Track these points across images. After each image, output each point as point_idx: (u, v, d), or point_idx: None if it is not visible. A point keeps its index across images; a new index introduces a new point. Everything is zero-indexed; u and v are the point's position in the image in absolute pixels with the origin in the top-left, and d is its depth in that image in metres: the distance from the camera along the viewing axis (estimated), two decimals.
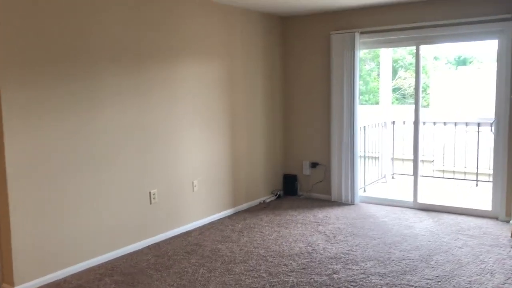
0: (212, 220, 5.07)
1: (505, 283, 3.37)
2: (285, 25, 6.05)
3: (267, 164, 5.95)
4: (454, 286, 3.35)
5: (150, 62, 4.28)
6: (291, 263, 3.82)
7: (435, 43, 5.31)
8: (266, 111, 5.88)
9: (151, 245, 4.32)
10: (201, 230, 4.76)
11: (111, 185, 3.98)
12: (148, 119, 4.28)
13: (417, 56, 5.33)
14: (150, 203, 4.35)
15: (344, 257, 3.93)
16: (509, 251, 4.00)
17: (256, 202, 5.77)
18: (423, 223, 4.87)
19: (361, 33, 5.48)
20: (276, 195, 6.05)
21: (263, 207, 5.61)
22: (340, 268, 3.70)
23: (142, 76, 4.21)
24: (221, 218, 5.16)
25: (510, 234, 4.37)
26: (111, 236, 4.01)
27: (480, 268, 3.66)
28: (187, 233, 4.66)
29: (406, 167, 7.57)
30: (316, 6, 5.29)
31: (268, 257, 3.97)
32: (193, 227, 4.83)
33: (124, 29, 4.03)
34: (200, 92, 4.86)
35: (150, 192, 4.34)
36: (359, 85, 5.65)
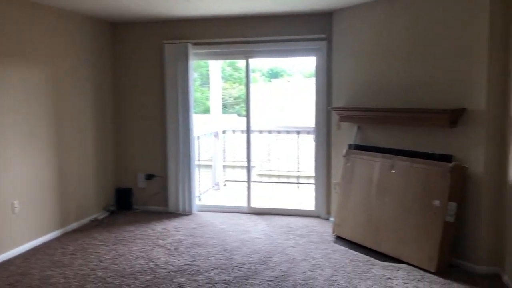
0: (37, 244, 4.53)
1: (333, 275, 3.75)
2: (115, 31, 5.78)
3: (99, 179, 5.58)
4: (292, 284, 3.60)
5: None
6: (133, 282, 3.64)
7: (262, 57, 5.68)
8: (97, 122, 5.52)
9: None
10: (25, 256, 4.22)
11: None
12: None
13: (247, 68, 5.61)
14: None
15: (188, 269, 3.90)
16: (332, 246, 4.47)
17: (87, 220, 5.35)
18: (258, 226, 5.14)
19: (194, 44, 5.56)
20: (109, 211, 5.71)
21: (95, 225, 5.23)
22: (185, 281, 3.66)
23: None
24: (48, 241, 4.65)
25: (332, 230, 4.89)
26: None
27: (311, 264, 4.02)
28: (8, 262, 4.08)
29: (235, 174, 7.92)
30: (147, 14, 5.19)
31: (107, 279, 3.71)
32: (15, 254, 4.24)
33: None
34: (20, 104, 4.31)
35: None
36: (193, 95, 5.71)
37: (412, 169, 4.08)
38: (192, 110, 5.62)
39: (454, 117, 3.85)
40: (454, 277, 3.69)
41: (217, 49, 5.60)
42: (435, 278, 3.68)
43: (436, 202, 3.82)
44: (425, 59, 4.15)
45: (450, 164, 3.79)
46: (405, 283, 3.59)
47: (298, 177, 7.70)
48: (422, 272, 3.79)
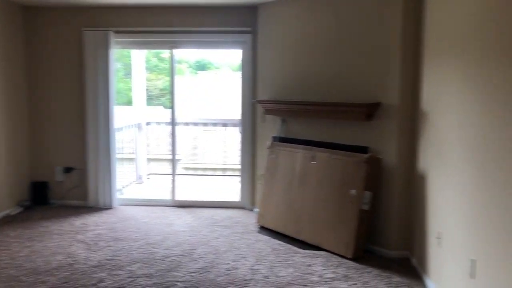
0: None
1: (255, 264, 3.83)
2: (29, 16, 5.42)
3: (11, 172, 5.24)
4: (215, 275, 3.62)
5: None
6: (49, 279, 3.47)
7: (187, 48, 5.62)
8: (8, 112, 5.16)
9: None
10: None
11: None
12: None
13: (171, 59, 5.52)
14: None
15: (109, 264, 3.79)
16: (256, 236, 4.55)
17: None
18: (183, 219, 5.11)
19: (116, 32, 5.37)
20: (23, 206, 5.38)
21: (8, 221, 4.91)
22: (106, 276, 3.55)
23: None
24: None
25: (256, 221, 4.98)
26: None
27: (235, 254, 4.06)
28: None
29: (160, 167, 7.79)
30: None
31: (21, 277, 3.50)
32: None
33: None
34: None
35: None
36: (115, 86, 5.52)
37: (331, 160, 4.25)
38: (113, 101, 5.44)
39: (370, 111, 4.06)
40: (368, 262, 3.91)
41: (140, 38, 5.46)
42: (351, 263, 3.88)
43: (353, 192, 4.02)
44: (345, 55, 4.33)
45: (366, 155, 4.00)
46: (324, 269, 3.74)
47: (224, 169, 7.73)
48: (339, 259, 3.97)
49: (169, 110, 5.66)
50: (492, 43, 2.47)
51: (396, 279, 3.59)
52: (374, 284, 3.47)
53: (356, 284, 3.48)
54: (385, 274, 3.68)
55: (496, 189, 2.36)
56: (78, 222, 4.93)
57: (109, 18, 5.38)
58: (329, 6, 4.45)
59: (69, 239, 4.38)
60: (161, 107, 10.91)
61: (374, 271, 3.72)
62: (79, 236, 4.46)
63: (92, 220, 4.99)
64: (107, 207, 5.51)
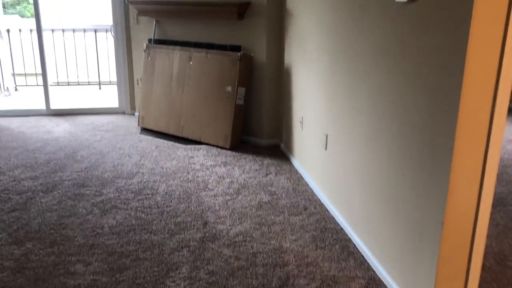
0: None
1: (140, 160, 4.06)
2: None
3: None
4: (101, 171, 3.79)
5: None
6: None
7: None
8: None
9: None
10: None
11: None
12: None
13: None
14: None
15: None
16: (139, 136, 4.74)
17: None
18: (61, 126, 5.05)
19: None
20: None
21: None
22: None
23: None
24: None
25: (137, 124, 5.12)
26: None
27: (119, 153, 4.24)
28: None
29: (28, 80, 7.33)
30: None
31: None
32: None
33: None
34: None
35: None
36: None
37: (207, 59, 4.48)
38: None
39: (241, 10, 4.28)
40: (244, 150, 4.37)
41: None
42: (229, 152, 4.30)
43: (228, 88, 4.34)
44: None
45: (239, 53, 4.29)
46: (205, 159, 4.12)
47: (98, 77, 7.52)
48: (219, 150, 4.37)
49: (28, 20, 5.28)
50: None
51: (267, 161, 4.10)
52: (249, 167, 3.94)
53: (233, 168, 3.92)
54: (258, 158, 4.17)
55: (344, 74, 2.81)
56: None
57: None
58: None
59: None
60: (17, 16, 9.86)
61: (249, 157, 4.20)
62: None
63: None
64: None
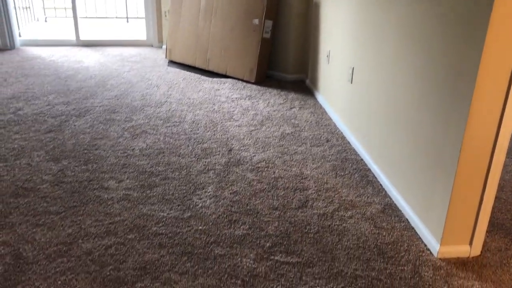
0: None
1: (168, 90, 4.16)
2: None
3: None
4: (131, 100, 3.92)
5: None
6: None
7: None
8: None
9: None
10: None
11: None
12: None
13: None
14: None
15: (23, 96, 3.90)
16: (166, 68, 4.82)
17: None
18: (91, 57, 5.16)
19: None
20: None
21: None
22: (23, 105, 3.70)
23: None
24: None
25: (165, 56, 5.19)
26: None
27: (148, 84, 4.34)
28: None
29: (58, 12, 7.39)
30: None
31: None
32: None
33: None
34: None
35: None
36: None
37: None
38: None
39: None
40: (269, 84, 4.42)
41: None
42: (254, 86, 4.36)
43: (255, 21, 4.32)
44: None
45: None
46: (230, 91, 4.19)
47: (126, 10, 7.53)
48: (244, 83, 4.42)
49: None
50: None
51: (292, 95, 4.15)
52: (273, 100, 4.01)
53: (258, 101, 3.99)
54: (283, 92, 4.22)
55: (371, 5, 2.78)
56: None
57: None
58: None
59: None
60: None
61: (274, 91, 4.25)
62: None
63: None
64: (9, 48, 5.34)
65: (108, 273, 1.90)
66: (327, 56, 3.75)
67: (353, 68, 3.15)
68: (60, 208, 2.34)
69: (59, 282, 1.84)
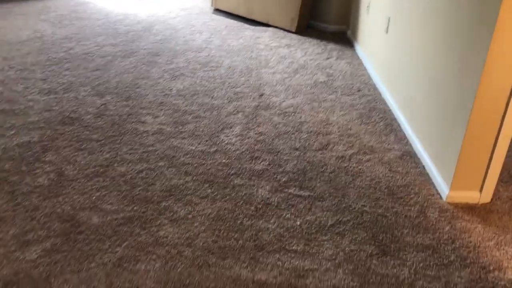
0: None
1: (210, 37, 4.29)
2: None
3: None
4: (174, 44, 4.09)
5: None
6: (23, 48, 3.85)
7: None
8: None
9: None
10: None
11: None
12: None
13: None
14: None
15: (75, 37, 4.16)
16: (211, 16, 4.93)
17: None
18: (140, 3, 5.34)
19: None
20: None
21: None
22: (75, 45, 3.96)
23: None
24: None
25: (210, 4, 5.28)
26: None
27: (191, 30, 4.48)
28: None
29: None
30: None
31: None
32: None
33: None
34: None
35: None
36: None
37: None
38: None
39: None
40: (310, 34, 4.44)
41: None
42: (294, 36, 4.40)
43: None
44: None
45: None
46: (270, 39, 4.26)
47: None
48: (285, 32, 4.47)
49: None
50: None
51: (331, 46, 4.17)
52: (311, 50, 4.05)
53: (296, 50, 4.05)
54: (322, 43, 4.24)
55: None
56: (39, 4, 5.09)
57: None
58: None
59: (34, 18, 4.62)
60: None
61: (313, 41, 4.28)
62: (43, 16, 4.70)
63: (52, 4, 5.16)
64: None
65: (137, 193, 2.12)
66: (367, 6, 3.72)
67: (389, 18, 3.14)
68: (100, 136, 2.59)
69: (94, 198, 2.08)
